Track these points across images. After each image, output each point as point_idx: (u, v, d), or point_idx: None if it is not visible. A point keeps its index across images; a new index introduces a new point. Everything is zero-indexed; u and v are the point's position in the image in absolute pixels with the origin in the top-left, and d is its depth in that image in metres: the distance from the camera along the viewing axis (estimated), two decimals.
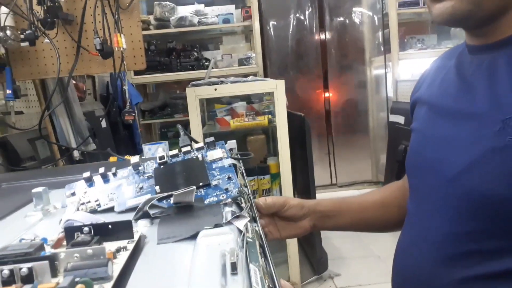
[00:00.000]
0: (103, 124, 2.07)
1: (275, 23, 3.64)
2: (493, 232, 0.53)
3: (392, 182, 0.87)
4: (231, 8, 3.06)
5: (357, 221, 0.81)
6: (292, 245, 1.94)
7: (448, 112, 0.62)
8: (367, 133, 3.74)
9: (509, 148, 0.50)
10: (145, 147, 1.29)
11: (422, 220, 0.63)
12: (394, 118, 2.75)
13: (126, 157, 1.19)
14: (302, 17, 3.65)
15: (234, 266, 0.37)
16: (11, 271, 0.35)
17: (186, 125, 1.95)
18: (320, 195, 3.23)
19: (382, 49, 3.34)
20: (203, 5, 3.06)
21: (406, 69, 3.00)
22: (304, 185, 2.21)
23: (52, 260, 0.37)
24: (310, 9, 3.65)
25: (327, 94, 3.75)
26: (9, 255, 0.39)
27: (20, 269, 0.35)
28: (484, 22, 0.57)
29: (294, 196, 1.97)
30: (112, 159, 1.18)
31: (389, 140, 3.00)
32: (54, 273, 0.37)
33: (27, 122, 1.66)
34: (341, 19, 3.67)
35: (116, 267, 0.38)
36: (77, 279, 0.34)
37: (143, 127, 3.04)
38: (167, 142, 1.31)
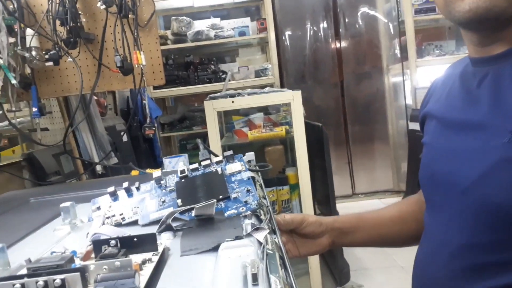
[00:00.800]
0: (124, 138, 2.12)
1: (291, 33, 3.67)
2: (509, 243, 0.53)
3: (411, 195, 0.87)
4: (246, 20, 3.11)
5: (374, 237, 0.82)
6: (314, 256, 1.93)
7: (456, 125, 0.62)
8: (387, 141, 3.71)
9: None
10: (166, 160, 1.31)
11: (438, 231, 0.63)
12: (414, 126, 2.72)
13: (148, 170, 1.21)
14: (317, 27, 3.67)
15: (255, 277, 0.38)
16: (45, 282, 0.37)
17: (204, 137, 1.97)
18: (341, 205, 3.22)
19: (399, 56, 3.32)
20: (219, 18, 3.11)
21: (425, 76, 2.98)
22: (324, 196, 2.20)
23: (83, 272, 0.38)
24: (325, 19, 3.67)
25: (344, 103, 3.73)
26: (42, 267, 0.41)
27: (54, 280, 0.37)
28: (499, 27, 0.56)
29: (314, 207, 1.97)
30: (134, 172, 1.21)
31: (410, 148, 2.96)
32: (84, 284, 0.38)
33: (52, 138, 1.72)
34: (357, 27, 3.67)
35: (142, 279, 0.40)
36: None
37: (163, 140, 3.10)
38: (186, 155, 1.33)
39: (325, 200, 2.20)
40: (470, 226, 0.56)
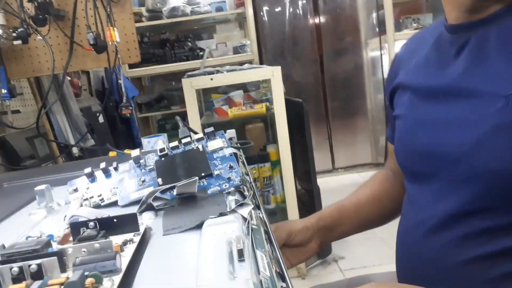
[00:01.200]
0: (101, 119, 2.07)
1: (269, 8, 3.61)
2: (507, 208, 0.53)
3: (377, 172, 0.88)
4: None
5: (356, 225, 0.83)
6: None
7: (435, 93, 0.61)
8: (366, 115, 3.74)
9: None
10: (144, 140, 1.29)
11: (424, 202, 0.62)
12: None
13: (126, 151, 1.19)
14: (295, 2, 3.62)
15: (241, 253, 0.37)
16: (20, 268, 0.35)
17: (184, 116, 1.94)
18: (321, 179, 3.24)
19: (377, 30, 3.31)
20: None
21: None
22: (305, 172, 2.21)
23: (60, 255, 0.37)
24: None
25: (324, 79, 3.73)
26: (17, 252, 0.39)
27: (29, 266, 0.36)
28: None
29: (295, 183, 1.98)
30: (112, 154, 1.18)
31: (387, 122, 3.00)
32: (63, 268, 0.37)
33: (24, 121, 1.65)
34: (336, 1, 3.64)
35: (124, 260, 0.38)
36: (86, 273, 0.34)
37: (140, 121, 3.04)
38: (166, 135, 1.30)
39: (305, 176, 2.21)
40: (465, 194, 0.56)
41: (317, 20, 3.66)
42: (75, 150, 1.69)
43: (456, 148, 0.56)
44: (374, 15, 3.37)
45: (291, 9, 3.62)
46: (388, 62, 3.12)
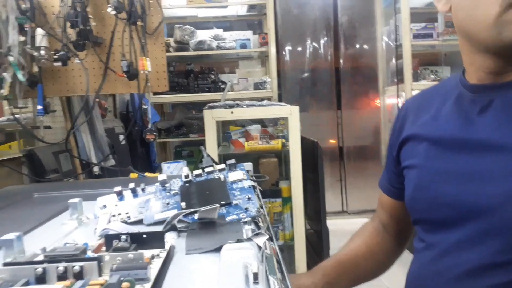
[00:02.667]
0: (122, 141, 2.15)
1: (291, 48, 3.75)
2: None
3: (362, 226, 0.91)
4: (248, 33, 3.17)
5: (355, 280, 0.85)
6: (301, 269, 1.96)
7: (465, 146, 0.63)
8: (380, 161, 3.77)
9: None
10: (164, 165, 1.35)
11: (451, 250, 0.63)
12: None
13: (146, 174, 1.25)
14: (317, 44, 3.76)
15: (256, 276, 0.42)
16: (65, 268, 0.41)
17: (200, 145, 2.01)
18: (331, 221, 3.24)
19: (395, 79, 3.40)
20: (221, 30, 3.18)
21: None
22: (315, 211, 2.24)
23: (99, 261, 0.42)
24: (326, 37, 3.75)
25: (340, 121, 3.80)
26: (60, 255, 0.44)
27: (73, 267, 0.41)
28: None
29: (305, 222, 2.00)
30: (133, 175, 1.24)
31: None
32: (100, 272, 0.42)
33: (52, 136, 1.74)
34: (356, 47, 3.76)
35: (152, 271, 0.43)
36: (122, 278, 0.39)
37: (158, 146, 3.12)
38: (185, 161, 1.37)
39: (315, 216, 2.23)
40: (494, 245, 0.57)
41: (337, 63, 3.78)
42: (95, 169, 1.76)
43: (488, 200, 0.59)
44: (393, 63, 3.47)
45: (312, 52, 3.75)
46: None
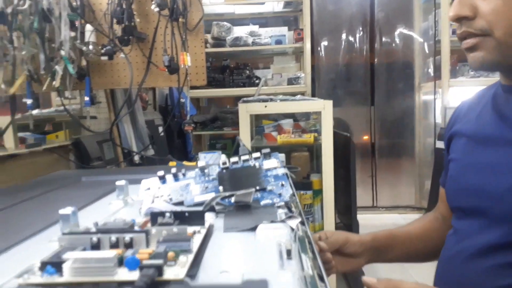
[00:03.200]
0: (161, 132, 2.24)
1: (326, 44, 3.74)
2: None
3: (428, 213, 0.94)
4: (284, 30, 3.20)
5: (403, 255, 0.88)
6: None
7: (487, 141, 0.69)
8: (413, 158, 3.71)
9: None
10: (201, 155, 1.41)
11: (471, 234, 0.69)
12: (441, 144, 2.73)
13: (184, 162, 1.31)
14: (352, 40, 3.73)
15: (289, 253, 0.46)
16: (117, 238, 0.46)
17: (235, 138, 2.06)
18: (361, 216, 3.23)
19: (432, 75, 3.33)
20: (257, 26, 3.21)
21: (456, 96, 2.98)
22: (345, 206, 2.25)
23: (147, 233, 0.47)
24: (361, 32, 3.71)
25: (373, 117, 3.76)
26: (112, 228, 0.50)
27: (124, 238, 0.46)
28: None
29: (334, 216, 2.02)
30: (172, 163, 1.31)
31: (435, 166, 2.97)
32: (147, 244, 0.47)
33: (96, 126, 1.85)
34: (392, 44, 3.70)
35: (194, 245, 0.48)
36: (167, 249, 0.44)
37: (194, 138, 3.21)
38: (220, 152, 1.43)
39: (345, 210, 2.25)
40: (504, 229, 0.63)
41: (372, 59, 3.74)
42: (136, 158, 1.85)
43: (499, 188, 0.64)
44: (431, 59, 3.39)
45: (347, 47, 3.72)
46: (441, 107, 3.11)
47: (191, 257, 0.45)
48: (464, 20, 0.64)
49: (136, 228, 0.55)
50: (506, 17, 0.60)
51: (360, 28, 3.70)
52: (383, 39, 3.70)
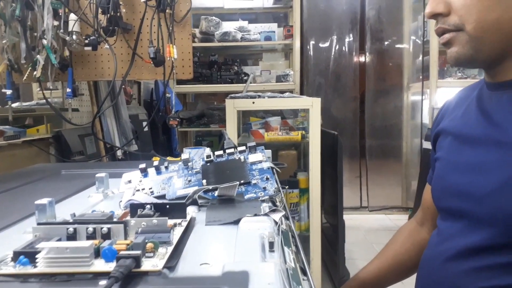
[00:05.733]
0: (145, 127, 2.20)
1: (315, 42, 3.73)
2: None
3: (408, 222, 0.94)
4: (273, 26, 3.18)
5: (398, 278, 0.90)
6: (316, 260, 1.98)
7: (472, 140, 0.68)
8: (400, 158, 3.73)
9: None
10: (186, 150, 1.38)
11: (452, 236, 0.68)
12: (428, 145, 2.75)
13: (168, 158, 1.28)
14: (342, 39, 3.72)
15: (271, 245, 0.44)
16: (94, 229, 0.44)
17: (221, 134, 2.04)
18: (348, 216, 3.25)
19: (420, 76, 3.35)
20: (247, 22, 3.19)
21: (444, 97, 3.00)
22: (332, 206, 2.24)
23: (126, 224, 0.45)
24: (351, 31, 3.72)
25: (361, 117, 3.77)
26: (90, 219, 0.47)
27: (101, 228, 0.44)
28: (491, 65, 0.66)
29: (321, 216, 2.01)
30: (155, 159, 1.28)
31: (422, 166, 2.99)
32: (126, 235, 0.45)
33: (79, 120, 1.80)
34: (382, 43, 3.72)
35: (174, 237, 0.46)
36: (146, 240, 0.42)
37: (179, 134, 3.18)
38: (206, 148, 1.40)
39: (332, 209, 2.24)
40: (483, 232, 0.62)
41: (361, 59, 3.75)
42: (118, 153, 1.81)
43: (481, 190, 0.63)
44: (419, 60, 3.41)
45: (337, 46, 3.72)
46: (428, 108, 3.13)
47: (170, 248, 0.43)
48: (440, 16, 0.65)
49: (115, 220, 0.52)
50: (477, 12, 0.61)
51: (350, 27, 3.70)
52: (373, 38, 3.70)
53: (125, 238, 0.44)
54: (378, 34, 3.71)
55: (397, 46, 3.70)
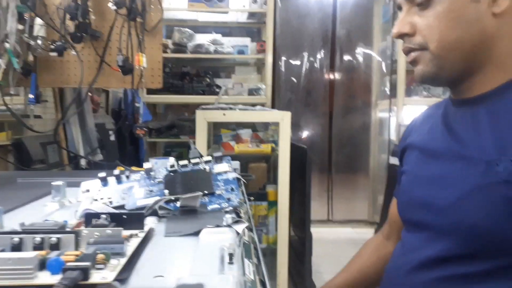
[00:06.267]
0: (112, 137, 2.15)
1: (287, 58, 3.78)
2: (477, 257, 0.61)
3: (373, 237, 0.95)
4: (246, 40, 3.20)
5: None
6: (282, 273, 1.96)
7: (437, 154, 0.70)
8: (367, 173, 3.80)
9: (492, 185, 0.59)
10: (152, 160, 1.35)
11: (415, 247, 0.69)
12: (395, 160, 2.81)
13: (133, 168, 1.25)
14: (313, 56, 3.79)
15: (231, 257, 0.43)
16: (42, 239, 0.41)
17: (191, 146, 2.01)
18: (315, 229, 3.24)
19: (388, 93, 3.44)
20: (220, 35, 3.20)
21: (410, 115, 3.09)
22: (300, 218, 2.24)
23: (77, 234, 0.43)
24: (323, 49, 3.79)
25: (331, 132, 3.83)
26: (39, 229, 0.45)
27: (50, 238, 0.41)
28: (454, 82, 0.68)
29: (289, 229, 2.01)
30: (119, 169, 1.24)
31: (388, 182, 3.04)
32: (77, 246, 0.42)
33: (42, 127, 1.74)
34: (352, 61, 3.81)
35: (129, 248, 0.44)
36: (97, 251, 0.40)
37: (148, 145, 3.12)
38: (173, 158, 1.38)
39: (300, 223, 2.24)
40: (444, 243, 0.64)
41: (331, 76, 3.82)
42: (82, 162, 1.75)
43: (443, 202, 0.65)
44: (387, 78, 3.51)
45: (308, 63, 3.79)
46: (395, 124, 3.22)
47: (123, 260, 0.41)
48: (406, 36, 0.68)
49: (67, 229, 0.50)
50: (438, 32, 0.64)
51: (322, 44, 3.78)
52: (343, 56, 3.79)
53: (76, 249, 0.42)
54: (348, 52, 3.80)
55: (366, 64, 3.80)
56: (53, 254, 0.39)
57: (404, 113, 3.11)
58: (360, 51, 3.79)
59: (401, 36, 0.69)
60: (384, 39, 3.66)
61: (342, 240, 3.32)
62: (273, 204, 2.02)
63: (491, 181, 0.59)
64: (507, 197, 0.57)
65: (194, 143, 1.95)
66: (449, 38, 0.64)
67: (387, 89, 3.50)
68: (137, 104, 1.80)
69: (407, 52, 0.69)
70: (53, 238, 0.41)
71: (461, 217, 0.62)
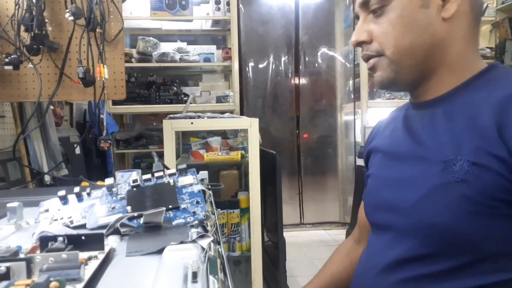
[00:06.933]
0: (77, 150, 2.08)
1: (254, 65, 3.80)
2: (440, 256, 0.62)
3: (345, 241, 0.95)
4: (212, 48, 3.19)
5: None
6: (257, 281, 1.95)
7: (399, 157, 0.72)
8: (336, 175, 3.86)
9: (450, 184, 0.60)
10: (118, 174, 1.31)
11: (381, 249, 0.71)
12: (361, 162, 2.86)
13: (98, 182, 1.21)
14: (278, 62, 3.83)
15: (195, 275, 0.42)
16: None
17: (160, 156, 1.98)
18: (289, 233, 3.28)
19: (352, 96, 3.52)
20: (185, 43, 3.17)
21: (374, 116, 3.17)
22: (273, 223, 2.25)
23: (29, 261, 0.40)
24: (287, 55, 3.84)
25: (299, 136, 3.87)
26: None
27: None
28: (412, 86, 0.70)
29: (262, 234, 2.00)
30: (84, 184, 1.20)
31: (356, 182, 3.10)
32: (29, 274, 0.40)
33: (1, 144, 1.66)
34: (316, 65, 3.87)
35: (87, 272, 0.42)
36: (51, 278, 0.38)
37: (116, 156, 3.04)
38: (140, 170, 1.34)
39: (274, 227, 2.24)
40: (407, 244, 0.65)
41: (297, 81, 3.87)
42: (47, 178, 1.69)
43: (405, 203, 0.66)
44: (351, 82, 3.59)
45: (274, 68, 3.82)
46: (360, 127, 3.29)
47: (79, 286, 0.39)
48: (364, 44, 0.70)
49: (22, 255, 0.47)
50: (393, 38, 0.66)
51: (286, 50, 3.82)
52: (307, 61, 3.85)
53: (29, 277, 0.40)
54: (312, 57, 3.86)
55: (331, 68, 3.87)
56: (2, 285, 0.37)
57: (368, 115, 3.19)
58: (323, 55, 3.86)
59: (359, 44, 0.70)
60: (346, 43, 3.74)
61: (315, 242, 3.35)
62: (246, 211, 2.01)
63: (448, 181, 0.60)
64: (464, 196, 0.59)
65: (163, 153, 1.92)
66: (403, 43, 0.66)
67: (351, 92, 3.57)
68: (102, 116, 1.76)
69: (366, 59, 0.71)
70: (2, 267, 0.39)
71: (422, 217, 0.63)
